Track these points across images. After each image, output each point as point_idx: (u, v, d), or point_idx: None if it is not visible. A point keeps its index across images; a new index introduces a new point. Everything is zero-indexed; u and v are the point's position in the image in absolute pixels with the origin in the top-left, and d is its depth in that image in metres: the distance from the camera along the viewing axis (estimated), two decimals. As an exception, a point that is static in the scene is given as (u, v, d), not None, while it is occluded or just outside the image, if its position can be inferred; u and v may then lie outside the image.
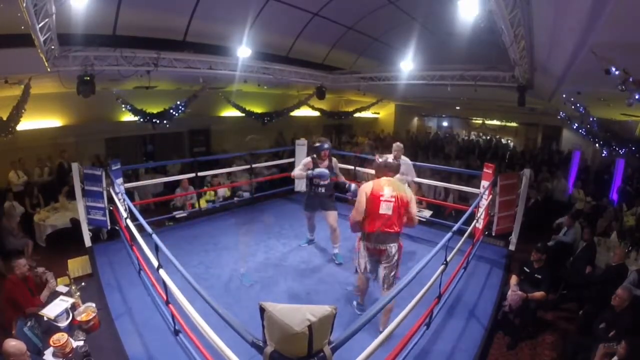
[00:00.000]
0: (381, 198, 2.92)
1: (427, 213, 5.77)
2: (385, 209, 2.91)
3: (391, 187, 2.94)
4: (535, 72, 5.98)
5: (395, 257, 3.02)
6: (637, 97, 3.41)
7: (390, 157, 3.17)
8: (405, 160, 4.86)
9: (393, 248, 2.99)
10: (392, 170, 3.09)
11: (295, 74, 8.59)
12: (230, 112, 10.56)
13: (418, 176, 5.38)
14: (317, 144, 4.35)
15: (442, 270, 2.93)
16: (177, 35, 6.75)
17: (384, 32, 9.28)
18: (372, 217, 2.95)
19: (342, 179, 4.56)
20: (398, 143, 4.89)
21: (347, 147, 12.79)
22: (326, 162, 4.40)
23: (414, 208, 3.01)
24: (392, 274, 3.04)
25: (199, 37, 6.91)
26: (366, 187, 3.00)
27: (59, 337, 2.84)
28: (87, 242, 4.68)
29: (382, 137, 15.07)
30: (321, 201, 4.46)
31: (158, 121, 7.52)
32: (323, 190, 4.39)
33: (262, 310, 1.53)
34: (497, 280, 4.25)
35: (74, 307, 3.40)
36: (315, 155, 4.38)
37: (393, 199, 2.91)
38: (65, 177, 7.25)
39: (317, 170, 4.23)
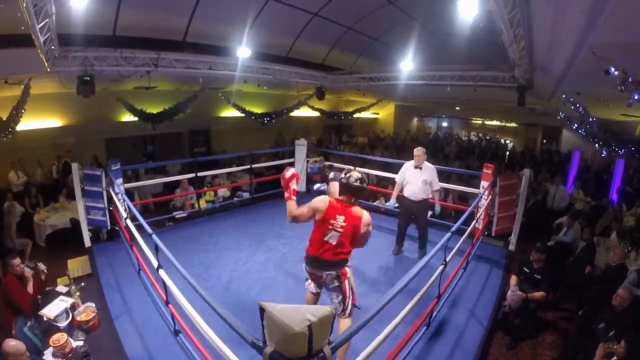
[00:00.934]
0: (330, 226, 2.55)
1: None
2: (330, 238, 2.55)
3: (344, 216, 2.54)
4: (535, 72, 5.99)
5: (336, 284, 2.62)
6: (636, 97, 3.42)
7: (355, 175, 2.62)
8: (428, 166, 4.46)
9: (331, 275, 2.61)
10: (354, 195, 2.61)
11: (295, 74, 8.59)
12: (230, 113, 10.56)
13: None
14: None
15: (441, 270, 2.94)
16: (177, 36, 6.75)
17: (384, 32, 9.28)
18: (315, 241, 2.62)
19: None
20: (420, 148, 4.48)
21: (346, 147, 12.80)
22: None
23: (367, 232, 2.59)
24: (339, 299, 2.65)
25: (198, 37, 6.91)
26: (322, 204, 2.59)
27: (59, 337, 2.83)
28: (87, 242, 4.68)
29: (381, 137, 15.09)
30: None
31: (158, 121, 7.52)
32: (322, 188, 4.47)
33: (262, 310, 1.53)
34: (497, 280, 4.25)
35: (73, 307, 3.40)
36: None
37: (342, 230, 2.54)
38: (70, 176, 7.29)
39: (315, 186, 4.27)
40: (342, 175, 2.70)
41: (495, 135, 16.74)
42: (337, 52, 9.42)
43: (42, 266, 3.77)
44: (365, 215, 2.58)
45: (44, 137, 7.75)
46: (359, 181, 2.58)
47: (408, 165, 4.53)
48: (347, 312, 2.67)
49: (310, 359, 1.50)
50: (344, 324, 2.61)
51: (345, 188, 2.60)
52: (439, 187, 4.57)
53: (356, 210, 2.57)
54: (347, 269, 2.65)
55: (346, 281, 2.64)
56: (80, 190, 4.62)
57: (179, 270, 2.41)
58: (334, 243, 2.55)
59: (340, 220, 2.54)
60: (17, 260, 3.51)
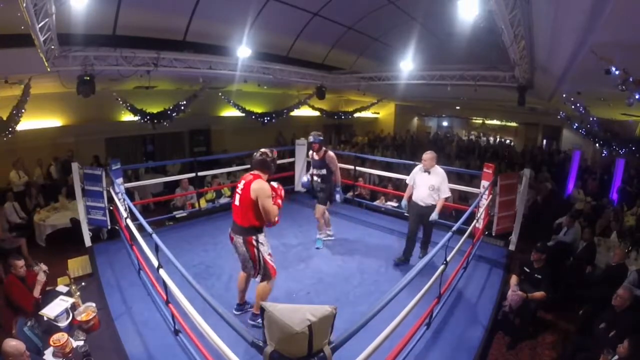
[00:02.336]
0: (236, 189, 3.00)
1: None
2: (236, 200, 2.98)
3: (244, 181, 2.95)
4: (535, 72, 5.99)
5: (244, 250, 2.98)
6: (637, 96, 3.41)
7: (261, 150, 3.05)
8: (438, 171, 4.14)
9: (239, 239, 2.98)
10: (258, 167, 3.01)
11: (295, 74, 8.60)
12: (230, 112, 10.57)
13: None
14: (309, 138, 4.62)
15: (442, 270, 2.94)
16: (177, 35, 6.75)
17: (384, 32, 9.28)
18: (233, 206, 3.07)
19: (337, 175, 4.69)
20: (429, 152, 4.19)
21: (345, 147, 12.80)
22: (320, 154, 4.62)
23: (265, 203, 2.84)
24: (251, 265, 3.04)
25: (199, 37, 6.91)
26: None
27: (59, 337, 2.83)
28: (87, 242, 4.68)
29: (382, 136, 15.09)
30: (315, 192, 4.76)
31: (158, 121, 7.52)
32: (319, 181, 4.70)
33: (262, 310, 1.53)
34: (497, 280, 4.24)
35: (74, 307, 3.40)
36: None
37: (240, 193, 2.94)
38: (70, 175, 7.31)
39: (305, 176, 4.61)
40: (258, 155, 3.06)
41: (495, 134, 16.75)
42: (337, 51, 9.42)
43: (43, 266, 3.76)
44: (257, 183, 2.87)
45: (44, 136, 7.76)
46: (260, 154, 3.01)
47: (417, 169, 4.35)
48: (259, 278, 3.09)
49: (310, 359, 1.50)
50: (259, 287, 3.10)
51: (252, 162, 3.03)
52: (447, 194, 4.16)
53: (257, 180, 2.91)
54: (254, 238, 2.95)
55: (254, 249, 2.97)
56: (81, 190, 4.62)
57: (179, 270, 2.41)
58: (237, 204, 2.96)
59: (240, 185, 2.98)
60: (20, 262, 3.50)
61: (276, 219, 2.98)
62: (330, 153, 4.64)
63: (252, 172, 3.00)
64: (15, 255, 3.64)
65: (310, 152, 4.72)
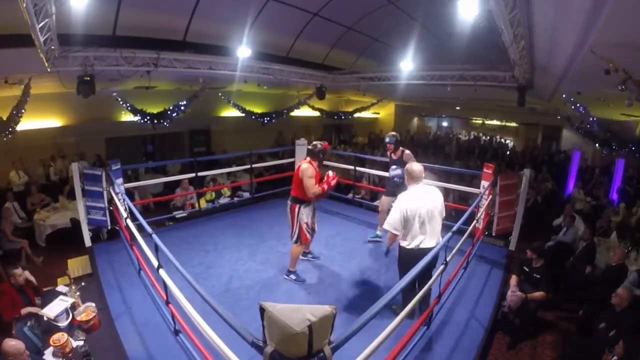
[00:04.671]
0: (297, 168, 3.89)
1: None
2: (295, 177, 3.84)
3: (300, 163, 3.83)
4: (535, 72, 5.99)
5: (288, 214, 3.89)
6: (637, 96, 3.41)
7: (313, 143, 3.94)
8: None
9: (287, 205, 3.90)
10: (311, 155, 3.85)
11: (295, 74, 8.59)
12: (230, 112, 10.56)
13: None
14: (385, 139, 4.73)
15: (442, 270, 2.93)
16: (177, 35, 6.74)
17: (384, 32, 9.27)
18: None
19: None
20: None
21: (346, 146, 12.80)
22: (397, 154, 4.63)
23: (306, 181, 3.64)
24: (289, 228, 3.92)
25: (199, 37, 6.91)
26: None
27: (59, 337, 2.84)
28: (87, 242, 4.68)
29: (381, 136, 15.09)
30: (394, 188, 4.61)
31: (158, 121, 7.52)
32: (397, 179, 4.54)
33: (262, 310, 1.53)
34: (497, 280, 4.24)
35: (74, 306, 3.40)
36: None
37: (295, 171, 3.87)
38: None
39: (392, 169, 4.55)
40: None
41: (495, 134, 16.76)
42: (337, 51, 9.42)
43: (28, 275, 3.62)
44: (304, 166, 3.72)
45: (44, 136, 7.76)
46: (312, 146, 3.89)
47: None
48: (294, 239, 3.89)
49: (310, 359, 1.50)
50: (292, 248, 3.95)
51: (307, 152, 3.97)
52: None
53: (304, 164, 3.74)
54: (297, 206, 3.80)
55: (294, 216, 3.81)
56: (81, 190, 4.62)
57: (179, 270, 2.41)
58: (293, 179, 3.88)
59: (297, 164, 3.92)
60: (18, 271, 3.50)
61: (315, 195, 3.67)
62: (407, 152, 4.62)
63: (306, 159, 3.84)
64: (16, 264, 3.62)
65: (388, 152, 4.76)
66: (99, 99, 6.25)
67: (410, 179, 3.12)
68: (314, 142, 3.93)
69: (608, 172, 8.97)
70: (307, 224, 3.83)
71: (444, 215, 3.17)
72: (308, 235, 3.89)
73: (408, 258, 3.02)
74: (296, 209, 3.79)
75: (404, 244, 3.09)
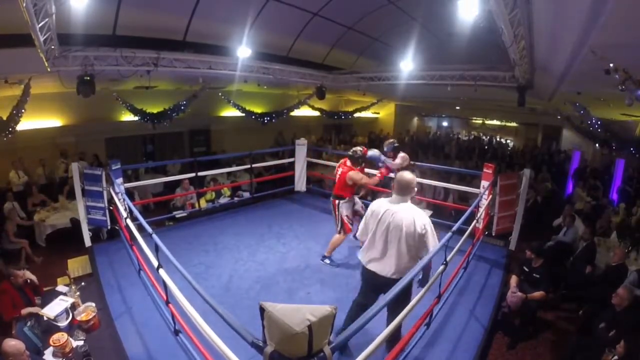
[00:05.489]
0: (336, 170, 4.44)
1: (427, 213, 5.77)
2: (336, 177, 4.39)
3: (341, 169, 4.33)
4: (535, 72, 5.98)
5: (333, 212, 4.43)
6: (637, 94, 3.40)
7: (353, 148, 4.41)
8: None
9: (331, 202, 4.45)
10: (350, 159, 4.35)
11: (295, 74, 8.58)
12: (230, 112, 10.55)
13: (419, 176, 5.31)
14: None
15: (442, 270, 2.93)
16: (177, 35, 6.74)
17: (384, 32, 9.27)
18: None
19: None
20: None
21: (345, 146, 12.79)
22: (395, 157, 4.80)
23: (361, 182, 4.24)
24: (337, 223, 4.41)
25: (199, 37, 6.91)
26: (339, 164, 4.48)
27: (59, 337, 2.84)
28: (87, 242, 4.69)
29: (382, 136, 15.09)
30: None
31: (158, 121, 7.51)
32: None
33: (262, 310, 1.53)
34: (497, 280, 4.25)
35: (73, 306, 3.40)
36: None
37: (338, 176, 4.35)
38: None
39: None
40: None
41: (495, 134, 16.75)
42: (337, 51, 9.42)
43: (29, 275, 3.62)
44: (352, 173, 4.22)
45: (44, 136, 7.75)
46: (352, 152, 4.37)
47: None
48: (337, 229, 4.43)
49: (310, 359, 1.50)
50: (335, 236, 4.45)
51: (349, 157, 4.39)
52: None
53: (351, 171, 4.24)
54: (336, 201, 4.36)
55: (337, 210, 4.37)
56: (81, 190, 4.62)
57: (179, 270, 2.41)
58: (336, 179, 4.39)
59: (339, 169, 4.39)
60: (21, 272, 3.50)
61: (374, 184, 4.39)
62: (402, 154, 4.70)
63: (346, 163, 4.33)
64: (16, 265, 3.62)
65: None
66: (99, 98, 6.25)
67: (396, 189, 2.70)
68: (354, 149, 4.36)
69: (608, 172, 8.98)
70: (347, 216, 4.35)
71: (419, 248, 2.61)
72: (350, 225, 4.41)
73: (362, 274, 2.79)
74: (336, 203, 4.34)
75: (358, 254, 2.83)
